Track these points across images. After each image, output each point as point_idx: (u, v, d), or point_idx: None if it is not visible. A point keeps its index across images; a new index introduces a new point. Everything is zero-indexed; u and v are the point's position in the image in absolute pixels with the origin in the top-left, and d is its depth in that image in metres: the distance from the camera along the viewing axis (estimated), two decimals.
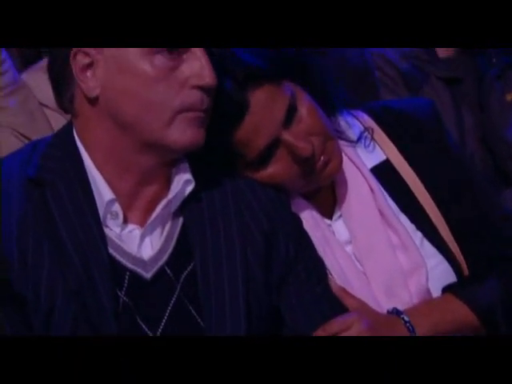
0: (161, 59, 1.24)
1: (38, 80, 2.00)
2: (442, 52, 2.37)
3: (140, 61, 1.24)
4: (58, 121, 1.92)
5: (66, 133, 1.33)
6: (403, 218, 1.47)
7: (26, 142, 1.99)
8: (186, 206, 1.32)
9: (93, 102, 1.27)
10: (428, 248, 1.46)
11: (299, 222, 1.42)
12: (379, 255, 1.45)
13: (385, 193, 1.48)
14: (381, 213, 1.46)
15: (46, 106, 2.03)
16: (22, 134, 2.01)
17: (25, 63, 2.35)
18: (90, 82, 1.26)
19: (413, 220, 1.47)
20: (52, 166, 1.28)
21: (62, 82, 1.29)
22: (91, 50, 1.25)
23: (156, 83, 1.24)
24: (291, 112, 1.38)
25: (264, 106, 1.35)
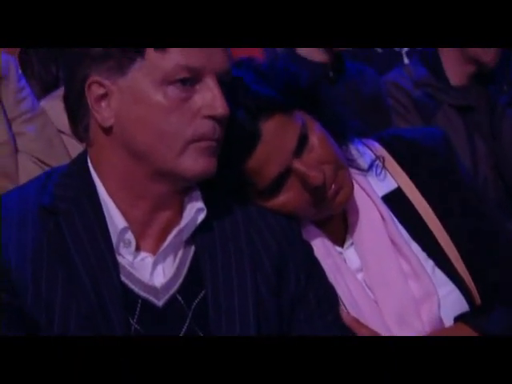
0: (174, 90, 1.26)
1: (55, 107, 2.04)
2: (455, 80, 2.39)
3: (153, 92, 1.26)
4: (76, 147, 1.95)
5: (80, 162, 1.35)
6: (414, 246, 1.47)
7: (44, 167, 2.02)
8: (198, 234, 1.34)
9: (107, 131, 1.29)
10: (440, 276, 1.46)
11: (310, 249, 1.43)
12: (391, 283, 1.45)
13: (396, 221, 1.48)
14: (392, 241, 1.47)
15: (64, 133, 2.06)
16: (39, 160, 2.04)
17: (44, 90, 2.39)
18: (104, 112, 1.28)
19: (424, 248, 1.47)
20: (66, 195, 1.30)
21: (77, 112, 1.31)
22: (106, 81, 1.27)
23: (169, 113, 1.26)
24: (302, 141, 1.39)
25: (275, 136, 1.37)
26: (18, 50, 2.45)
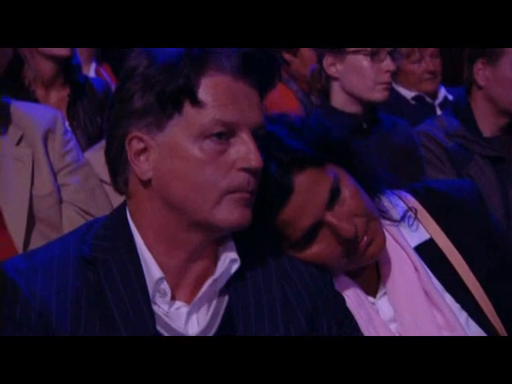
0: (210, 144, 1.30)
1: (98, 158, 2.10)
2: (487, 132, 2.41)
3: (190, 146, 1.30)
4: (117, 196, 2.01)
5: (119, 213, 1.39)
6: (448, 298, 1.48)
7: (87, 217, 2.09)
8: (232, 284, 1.36)
9: (146, 184, 1.33)
10: (473, 328, 1.46)
11: (342, 300, 1.44)
12: (424, 335, 1.45)
13: (429, 272, 1.49)
14: (425, 292, 1.47)
15: (106, 183, 2.13)
16: (82, 210, 2.11)
17: (89, 140, 2.48)
18: (143, 166, 1.32)
19: (458, 300, 1.48)
20: (104, 246, 1.34)
21: (117, 166, 1.36)
22: (145, 136, 1.32)
23: (205, 166, 1.30)
24: (334, 194, 1.42)
25: (308, 189, 1.40)
26: (66, 103, 2.55)
